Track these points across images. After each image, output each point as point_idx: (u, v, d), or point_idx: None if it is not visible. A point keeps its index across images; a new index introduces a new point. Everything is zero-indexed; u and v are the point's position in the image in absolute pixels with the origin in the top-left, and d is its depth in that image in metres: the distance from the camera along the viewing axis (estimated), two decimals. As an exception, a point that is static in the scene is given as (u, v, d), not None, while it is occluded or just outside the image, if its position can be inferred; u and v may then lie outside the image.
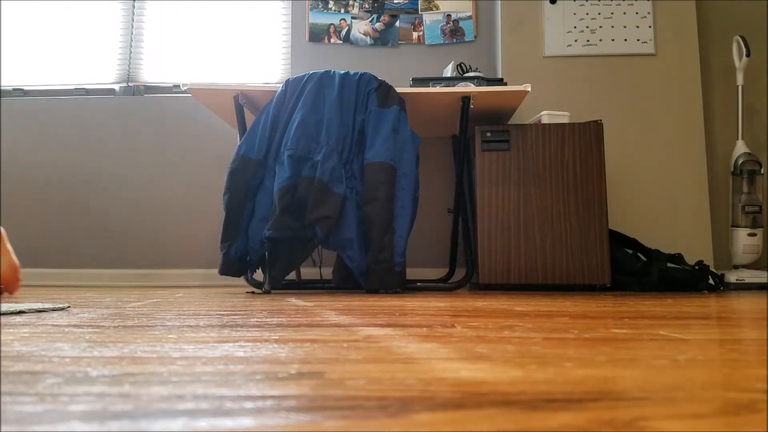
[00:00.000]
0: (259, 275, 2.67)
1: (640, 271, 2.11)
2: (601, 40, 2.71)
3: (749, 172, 2.40)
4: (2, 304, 1.10)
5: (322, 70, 2.03)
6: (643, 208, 2.59)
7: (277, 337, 0.64)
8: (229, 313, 1.00)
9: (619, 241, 2.30)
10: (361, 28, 3.10)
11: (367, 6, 3.11)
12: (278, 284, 2.00)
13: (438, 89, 2.12)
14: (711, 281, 2.12)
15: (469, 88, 2.14)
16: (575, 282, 2.05)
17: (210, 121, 2.98)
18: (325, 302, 1.37)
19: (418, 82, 2.25)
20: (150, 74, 3.17)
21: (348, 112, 1.96)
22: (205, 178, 2.98)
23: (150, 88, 3.15)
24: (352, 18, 3.12)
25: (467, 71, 2.50)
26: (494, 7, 2.95)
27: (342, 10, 3.13)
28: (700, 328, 0.76)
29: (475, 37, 2.98)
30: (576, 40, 2.72)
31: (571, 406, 0.32)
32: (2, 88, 3.11)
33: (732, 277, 2.34)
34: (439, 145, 2.83)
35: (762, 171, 2.45)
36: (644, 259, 2.22)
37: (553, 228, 2.08)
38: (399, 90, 2.08)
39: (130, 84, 3.14)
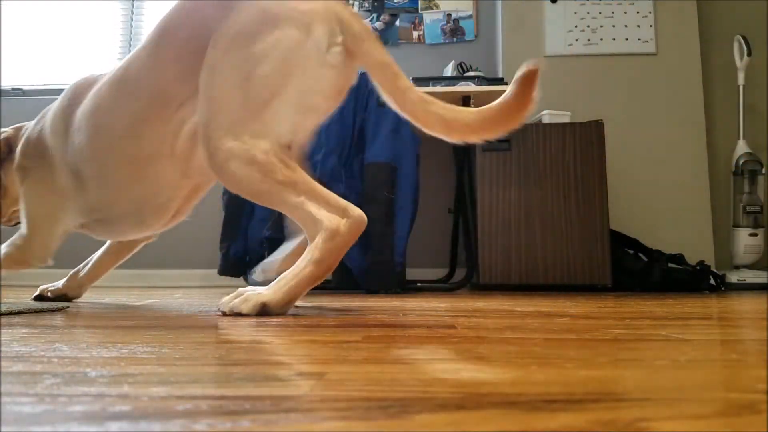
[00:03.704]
0: (259, 275, 2.66)
1: (642, 272, 2.11)
2: (602, 39, 2.71)
3: (750, 172, 2.40)
4: (1, 304, 1.10)
5: (323, 70, 2.02)
6: (644, 208, 2.59)
7: (277, 337, 0.64)
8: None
9: (621, 241, 2.30)
10: (361, 27, 3.10)
11: (367, 5, 3.11)
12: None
13: (439, 89, 2.12)
14: (712, 281, 2.11)
15: (470, 87, 2.14)
16: (576, 282, 2.05)
17: (210, 120, 2.98)
18: (325, 302, 1.37)
19: (418, 81, 2.25)
20: (150, 74, 3.17)
21: (348, 112, 1.96)
22: (205, 178, 2.98)
23: (150, 88, 3.14)
24: (353, 18, 3.12)
25: (468, 71, 2.50)
26: (495, 6, 2.95)
27: (342, 10, 3.13)
28: (702, 329, 0.76)
29: (476, 36, 2.98)
30: (577, 40, 2.72)
31: (572, 407, 0.32)
32: (1, 87, 3.11)
33: (733, 277, 2.33)
34: (439, 145, 2.83)
35: (763, 171, 2.45)
36: (645, 259, 2.22)
37: (554, 228, 2.08)
38: (399, 90, 2.07)
39: (131, 84, 3.14)
